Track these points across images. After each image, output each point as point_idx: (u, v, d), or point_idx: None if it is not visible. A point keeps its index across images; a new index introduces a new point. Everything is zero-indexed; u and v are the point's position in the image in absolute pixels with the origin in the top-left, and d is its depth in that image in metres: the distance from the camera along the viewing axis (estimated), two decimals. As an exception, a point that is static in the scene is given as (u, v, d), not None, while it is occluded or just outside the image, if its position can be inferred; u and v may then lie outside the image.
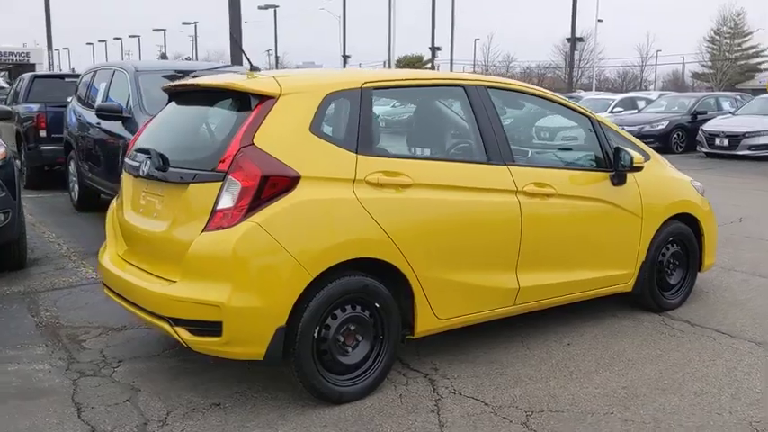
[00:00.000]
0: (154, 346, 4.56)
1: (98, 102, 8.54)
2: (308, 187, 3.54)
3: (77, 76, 12.65)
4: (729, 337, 4.74)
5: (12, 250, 6.25)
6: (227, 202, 3.45)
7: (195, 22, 69.54)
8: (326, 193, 3.59)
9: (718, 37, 63.67)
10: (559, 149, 5.36)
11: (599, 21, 49.81)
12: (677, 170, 5.52)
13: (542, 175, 4.42)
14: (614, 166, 4.74)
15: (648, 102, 23.25)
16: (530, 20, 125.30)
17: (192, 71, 8.66)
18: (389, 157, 3.89)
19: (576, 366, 4.24)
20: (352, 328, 3.72)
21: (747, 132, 16.90)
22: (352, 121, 3.80)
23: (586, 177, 4.68)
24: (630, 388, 3.94)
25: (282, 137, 3.58)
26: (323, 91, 3.76)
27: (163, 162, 3.78)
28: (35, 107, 11.33)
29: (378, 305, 3.76)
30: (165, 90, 4.42)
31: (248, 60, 4.26)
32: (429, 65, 51.58)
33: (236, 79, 3.91)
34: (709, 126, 17.86)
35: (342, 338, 3.69)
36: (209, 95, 4.18)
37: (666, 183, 5.22)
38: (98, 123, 8.27)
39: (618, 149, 4.73)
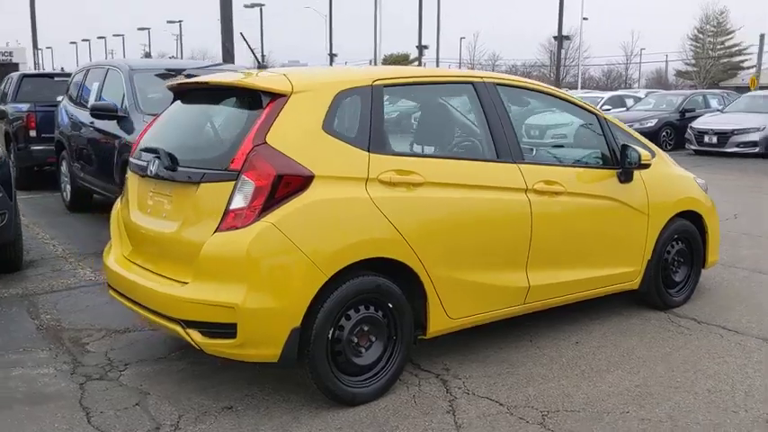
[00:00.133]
0: (159, 348, 4.50)
1: (92, 101, 8.43)
2: (321, 186, 3.49)
3: (67, 75, 12.52)
4: (737, 334, 4.74)
5: (8, 252, 6.15)
6: (240, 201, 3.40)
7: (180, 21, 69.11)
8: (340, 192, 3.55)
9: (701, 35, 64.07)
10: (566, 147, 5.34)
11: (584, 19, 50.07)
12: (680, 167, 5.52)
13: (551, 172, 4.39)
14: (621, 163, 4.73)
15: (637, 100, 23.37)
16: (515, 19, 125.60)
17: (183, 69, 8.59)
18: (401, 156, 3.85)
19: (587, 365, 4.22)
20: (366, 328, 3.68)
21: (736, 130, 17.02)
22: (364, 118, 3.75)
23: (594, 175, 4.67)
24: (643, 386, 3.92)
25: (295, 135, 3.53)
26: (334, 88, 3.72)
27: (172, 161, 3.72)
28: (24, 107, 11.19)
29: (391, 305, 3.72)
30: (171, 88, 4.35)
31: (256, 58, 4.22)
32: (416, 63, 51.56)
33: (246, 77, 3.85)
34: (698, 123, 17.96)
35: (355, 339, 3.64)
36: (217, 94, 4.12)
37: (672, 180, 5.22)
38: (92, 123, 8.16)
39: (625, 147, 4.71)
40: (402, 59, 66.08)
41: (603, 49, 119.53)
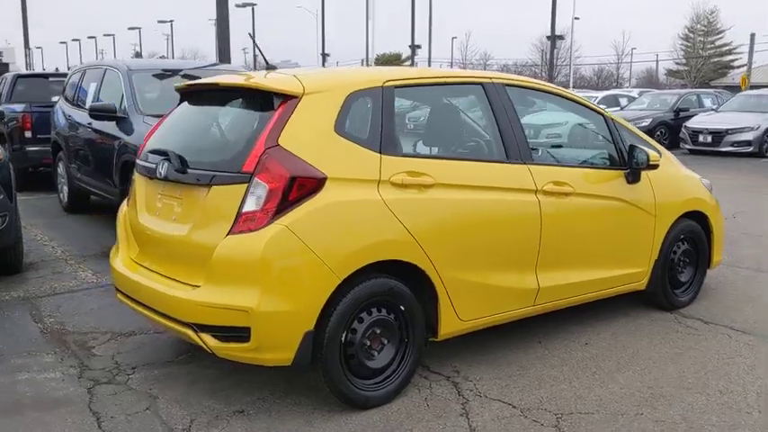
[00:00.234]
0: (166, 351, 4.46)
1: (89, 101, 8.38)
2: (334, 189, 3.46)
3: (61, 75, 12.45)
4: (744, 334, 4.74)
5: (8, 255, 6.10)
6: (253, 204, 3.37)
7: (171, 21, 68.84)
8: (352, 194, 3.52)
9: (692, 34, 64.32)
10: (574, 147, 5.33)
11: (576, 19, 50.13)
12: (685, 167, 5.52)
13: (560, 173, 4.38)
14: (629, 163, 4.72)
15: (631, 99, 23.44)
16: (507, 19, 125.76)
17: (179, 70, 8.55)
18: (412, 157, 3.83)
19: (597, 366, 4.21)
20: (378, 331, 3.66)
21: (730, 129, 17.09)
22: (375, 120, 3.73)
23: (602, 176, 4.66)
24: (655, 388, 3.92)
25: (308, 137, 3.51)
26: (345, 90, 3.69)
27: (182, 164, 3.68)
28: (19, 107, 11.11)
29: (403, 308, 3.70)
30: (178, 90, 4.32)
31: (264, 59, 4.18)
32: (408, 62, 51.55)
33: (256, 78, 3.82)
34: (693, 123, 18.03)
35: (368, 342, 3.62)
36: (226, 95, 4.09)
37: (678, 180, 5.22)
38: (90, 123, 8.11)
39: (633, 147, 4.71)
40: (394, 59, 66.01)
41: (595, 48, 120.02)
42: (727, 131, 17.08)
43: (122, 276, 4.05)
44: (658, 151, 5.02)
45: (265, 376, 3.99)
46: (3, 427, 3.52)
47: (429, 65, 50.34)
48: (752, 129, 16.91)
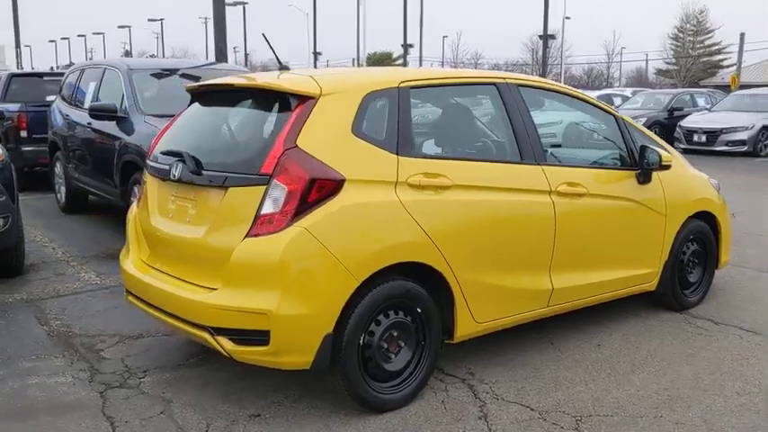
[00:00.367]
0: (176, 354, 4.42)
1: (88, 101, 8.30)
2: (352, 190, 3.43)
3: (57, 74, 12.35)
4: (755, 334, 4.74)
5: (10, 256, 6.02)
6: (271, 206, 3.33)
7: (161, 19, 68.48)
8: (370, 195, 3.49)
9: (681, 34, 64.61)
10: (586, 148, 5.31)
11: (566, 18, 50.22)
12: (693, 167, 5.52)
13: (574, 174, 4.36)
14: (640, 164, 4.71)
15: (624, 98, 23.50)
16: (498, 18, 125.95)
17: (177, 69, 8.49)
18: (429, 158, 3.80)
19: (611, 368, 4.19)
20: (395, 334, 3.63)
21: (724, 128, 17.16)
22: (392, 121, 3.70)
23: (614, 176, 4.65)
24: (671, 389, 3.90)
25: (326, 138, 3.47)
26: (362, 90, 3.66)
27: (197, 165, 3.64)
28: (15, 107, 10.99)
29: (420, 310, 3.67)
30: (189, 90, 4.27)
31: (277, 59, 4.14)
32: (399, 62, 51.54)
33: (272, 79, 3.77)
34: (687, 122, 18.09)
35: (385, 345, 3.59)
36: (239, 95, 4.05)
37: (687, 181, 5.21)
38: (89, 123, 8.03)
39: (644, 148, 4.70)
40: (385, 58, 66.02)
41: (585, 48, 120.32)
42: (721, 131, 17.15)
43: (133, 278, 4.00)
44: (667, 151, 5.01)
45: (278, 379, 3.96)
46: (16, 433, 3.47)
47: (420, 64, 50.34)
48: (746, 128, 16.98)
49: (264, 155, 3.40)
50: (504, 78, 4.31)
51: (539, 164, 4.19)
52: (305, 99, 3.52)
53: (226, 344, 3.37)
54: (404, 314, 3.64)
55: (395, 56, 65.86)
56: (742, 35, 39.43)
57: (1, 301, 5.47)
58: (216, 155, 3.78)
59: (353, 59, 50.50)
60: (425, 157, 3.80)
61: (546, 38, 32.39)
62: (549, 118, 12.52)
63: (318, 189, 3.34)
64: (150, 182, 4.10)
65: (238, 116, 4.04)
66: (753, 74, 48.36)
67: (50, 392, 3.87)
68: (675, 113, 19.53)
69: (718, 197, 5.44)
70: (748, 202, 10.53)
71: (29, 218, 8.77)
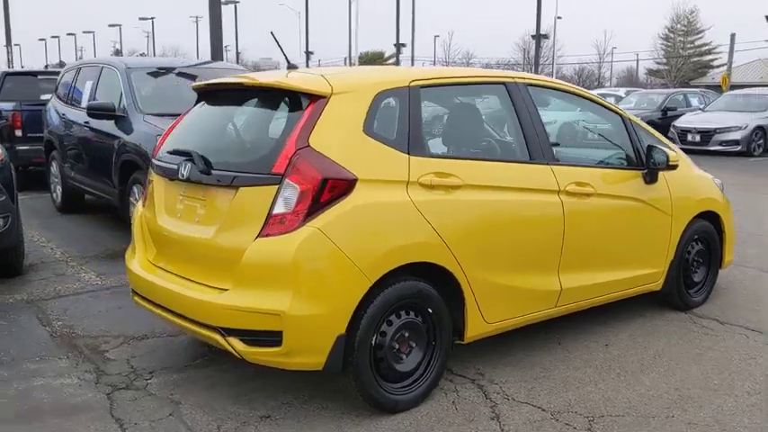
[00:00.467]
0: (181, 354, 4.38)
1: (85, 100, 8.24)
2: (364, 190, 3.40)
3: (51, 73, 12.26)
4: (761, 334, 4.74)
5: (10, 256, 5.97)
6: (283, 206, 3.30)
7: (152, 18, 68.21)
8: (383, 195, 3.47)
9: (672, 34, 64.84)
10: (593, 148, 5.30)
11: (558, 18, 50.32)
12: (698, 167, 5.52)
13: (582, 174, 4.35)
14: (647, 164, 4.70)
15: (618, 98, 23.54)
16: (489, 18, 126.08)
17: (173, 68, 8.44)
18: (439, 158, 3.78)
19: (620, 368, 4.19)
20: (406, 334, 3.60)
21: (718, 128, 17.22)
22: (402, 120, 3.68)
23: (622, 176, 4.64)
24: (682, 389, 3.90)
25: (337, 138, 3.44)
26: (373, 89, 3.63)
27: (206, 164, 3.60)
28: (9, 106, 10.91)
29: (431, 310, 3.65)
30: (196, 89, 4.23)
31: (286, 58, 4.11)
32: (391, 61, 51.51)
33: (282, 78, 3.74)
34: (681, 122, 18.15)
35: (396, 345, 3.57)
36: (247, 94, 4.01)
37: (692, 180, 5.22)
38: (86, 123, 7.97)
39: (651, 147, 4.69)
40: (377, 57, 65.97)
41: (576, 48, 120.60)
42: (715, 131, 17.21)
43: (140, 278, 3.96)
44: (673, 151, 5.00)
45: (287, 380, 3.93)
46: (23, 435, 3.43)
47: (412, 63, 50.28)
48: (740, 128, 17.06)
49: (276, 154, 3.37)
50: (513, 78, 4.29)
51: (547, 163, 4.18)
52: (316, 98, 3.49)
53: (237, 345, 3.34)
54: (415, 314, 3.62)
55: (387, 55, 65.85)
56: (732, 35, 39.58)
57: (1, 301, 5.42)
58: (225, 154, 3.75)
59: (345, 59, 50.40)
60: (436, 156, 3.78)
61: (539, 37, 32.45)
62: (544, 118, 12.60)
63: (331, 189, 3.31)
64: (157, 181, 4.05)
65: (247, 115, 4.01)
66: (742, 74, 48.63)
67: (56, 394, 3.83)
68: (669, 113, 19.61)
69: (721, 197, 5.45)
70: (745, 201, 10.55)
71: (25, 218, 8.61)
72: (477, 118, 4.41)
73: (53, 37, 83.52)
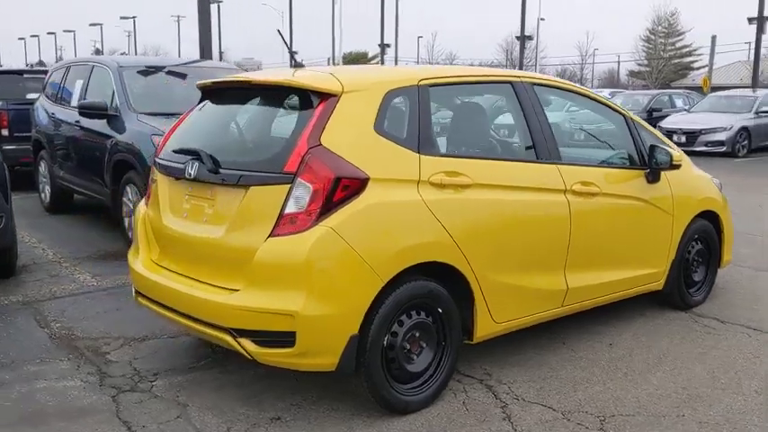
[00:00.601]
0: (184, 356, 4.33)
1: (76, 99, 8.13)
2: (376, 189, 3.38)
3: (37, 71, 12.11)
4: (762, 333, 4.77)
5: (3, 257, 5.88)
6: (295, 205, 3.26)
7: (134, 17, 67.68)
8: (394, 195, 3.44)
9: (653, 36, 65.39)
10: (597, 148, 5.31)
11: (541, 19, 50.65)
12: (697, 167, 5.55)
13: (587, 173, 4.36)
14: (649, 164, 4.71)
15: (603, 99, 23.66)
16: (472, 19, 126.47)
17: (163, 67, 8.37)
18: (449, 157, 3.76)
19: (626, 367, 4.19)
20: (417, 334, 3.58)
21: (704, 129, 17.37)
22: (412, 119, 3.65)
23: (625, 175, 4.65)
24: (690, 388, 3.91)
25: (349, 136, 3.41)
26: (383, 88, 3.60)
27: (214, 163, 3.55)
28: (-5, 105, 10.75)
29: (441, 310, 3.63)
30: (201, 87, 4.17)
31: (292, 57, 4.07)
32: (376, 61, 51.48)
33: (292, 76, 3.70)
34: (667, 123, 18.29)
35: (407, 346, 3.54)
36: (253, 93, 3.97)
37: (693, 180, 5.24)
38: (77, 122, 7.86)
39: (654, 147, 4.71)
40: (361, 57, 65.90)
41: (559, 49, 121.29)
42: (700, 131, 17.36)
43: (144, 279, 3.90)
44: (675, 151, 5.02)
45: (295, 381, 3.90)
46: (29, 439, 3.37)
47: (395, 63, 50.31)
48: (725, 129, 17.21)
49: (287, 153, 3.34)
50: (519, 77, 4.29)
51: (554, 163, 4.18)
52: (327, 96, 3.46)
53: (249, 346, 3.30)
54: (425, 314, 3.60)
55: (370, 55, 65.78)
56: (713, 38, 39.92)
57: (-3, 303, 5.34)
58: (233, 153, 3.70)
59: (329, 59, 50.30)
60: (446, 155, 3.76)
61: (523, 38, 32.57)
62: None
63: (344, 188, 3.28)
64: (161, 180, 4.00)
65: (255, 114, 3.97)
66: (723, 76, 49.14)
67: (60, 397, 3.77)
68: (654, 114, 19.76)
69: (720, 196, 5.48)
70: (735, 201, 10.49)
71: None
72: (484, 117, 4.40)
73: (33, 36, 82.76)
